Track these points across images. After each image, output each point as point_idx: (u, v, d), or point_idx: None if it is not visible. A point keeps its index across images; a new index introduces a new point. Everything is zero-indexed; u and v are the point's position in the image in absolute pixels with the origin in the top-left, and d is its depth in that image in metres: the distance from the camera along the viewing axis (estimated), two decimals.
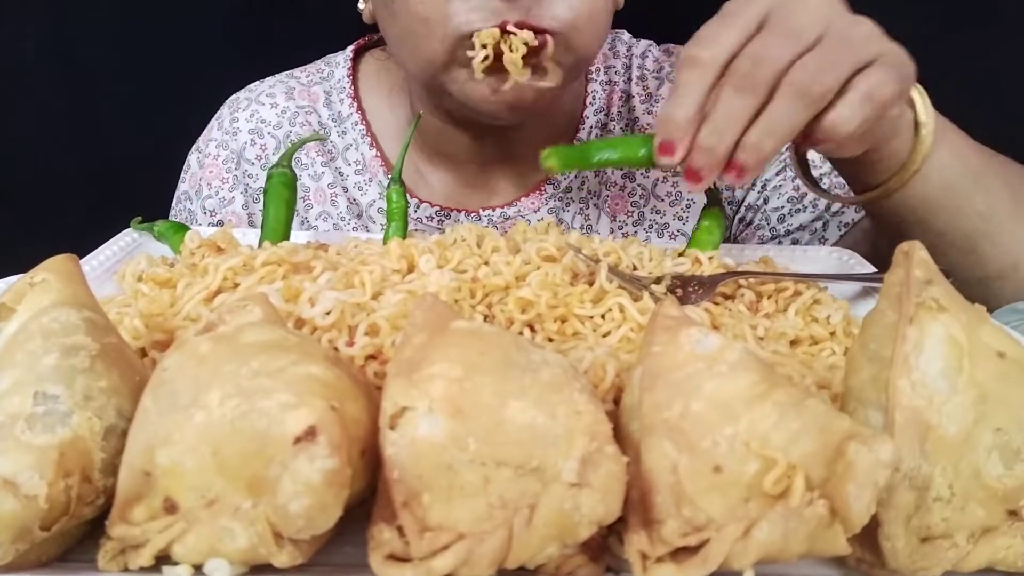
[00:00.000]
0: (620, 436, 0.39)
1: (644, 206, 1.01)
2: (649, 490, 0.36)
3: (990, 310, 0.44)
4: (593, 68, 1.01)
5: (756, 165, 0.57)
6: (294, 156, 0.77)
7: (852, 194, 0.76)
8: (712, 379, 0.37)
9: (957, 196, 0.71)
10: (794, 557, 0.36)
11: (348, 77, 1.01)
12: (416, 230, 0.94)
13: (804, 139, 0.59)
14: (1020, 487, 0.38)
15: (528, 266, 0.64)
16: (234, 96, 1.05)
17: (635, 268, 0.68)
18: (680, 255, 0.72)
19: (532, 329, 0.59)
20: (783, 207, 0.98)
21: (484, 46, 0.72)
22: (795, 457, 0.35)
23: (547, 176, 0.98)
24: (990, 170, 0.73)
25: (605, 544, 0.38)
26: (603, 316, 0.59)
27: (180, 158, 1.05)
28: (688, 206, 1.00)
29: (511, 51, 0.72)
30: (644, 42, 1.06)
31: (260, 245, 0.70)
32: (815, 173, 0.77)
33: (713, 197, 0.79)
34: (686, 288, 0.64)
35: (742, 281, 0.67)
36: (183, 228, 0.75)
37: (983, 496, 0.38)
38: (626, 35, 1.06)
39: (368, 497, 0.38)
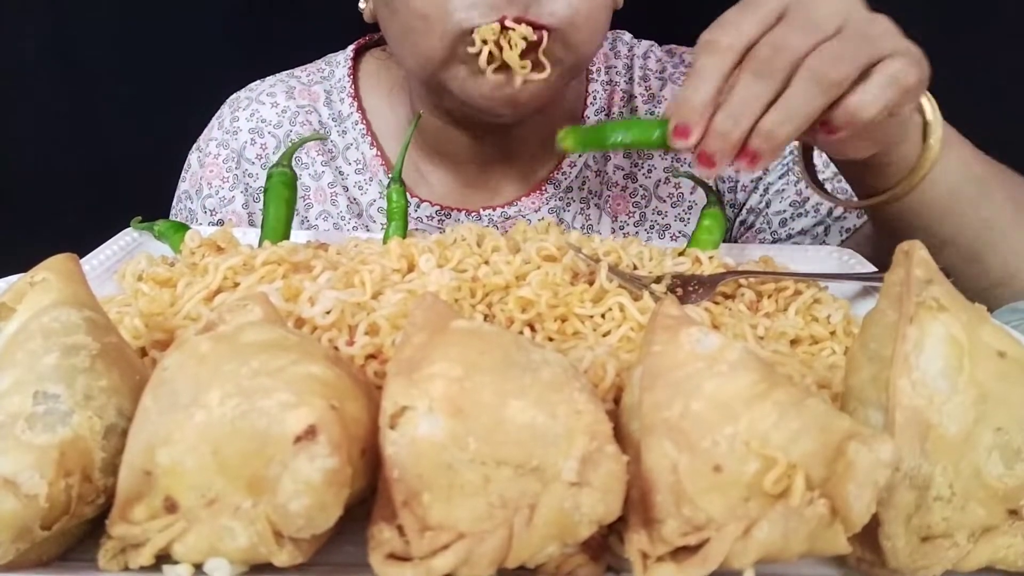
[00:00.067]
0: (620, 435, 0.39)
1: (646, 206, 1.01)
2: (649, 489, 0.36)
3: (989, 311, 0.45)
4: (594, 68, 1.01)
5: (770, 152, 0.57)
6: (294, 155, 0.77)
7: (856, 200, 0.76)
8: (712, 378, 0.37)
9: (962, 203, 0.72)
10: (794, 557, 0.36)
11: (348, 76, 1.01)
12: (416, 229, 0.94)
13: (822, 126, 0.59)
14: (1020, 486, 0.38)
15: (528, 265, 0.64)
16: (234, 95, 1.05)
17: (635, 267, 0.68)
18: (680, 255, 0.72)
19: (532, 328, 0.59)
20: (785, 211, 0.98)
21: (484, 42, 0.73)
22: (795, 456, 0.35)
23: (548, 176, 0.98)
24: (993, 179, 0.74)
25: (605, 543, 0.38)
26: (603, 315, 0.59)
27: (180, 158, 1.05)
28: (690, 207, 1.00)
29: (510, 47, 0.72)
30: (646, 43, 1.06)
31: (260, 244, 0.70)
32: (819, 178, 0.78)
33: (713, 196, 0.79)
34: (686, 287, 0.64)
35: (742, 280, 0.67)
36: (183, 228, 0.75)
37: (983, 495, 0.38)
38: (627, 35, 1.06)
39: (368, 496, 0.38)
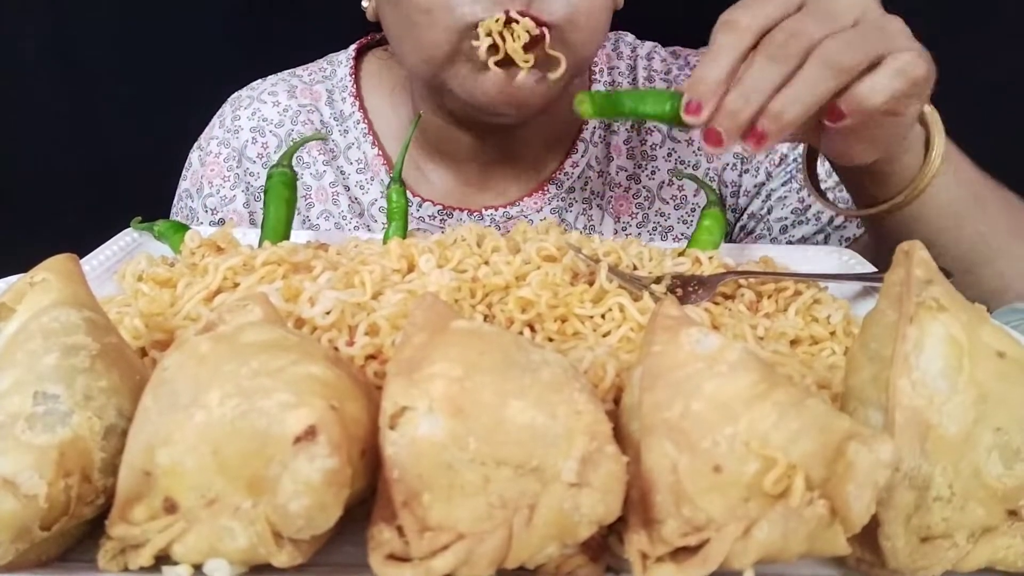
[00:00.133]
0: (620, 436, 0.39)
1: (649, 208, 1.01)
2: (649, 490, 0.36)
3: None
4: (596, 69, 1.01)
5: (777, 132, 0.58)
6: (295, 155, 0.77)
7: (856, 209, 0.77)
8: (712, 379, 0.37)
9: (959, 217, 0.73)
10: (794, 557, 0.36)
11: (350, 76, 1.01)
12: (418, 229, 0.94)
13: (828, 114, 0.60)
14: (1020, 487, 0.38)
15: (528, 266, 0.64)
16: (236, 94, 1.05)
17: (635, 268, 0.68)
18: (680, 255, 0.72)
19: (532, 329, 0.59)
20: (787, 218, 0.99)
21: (488, 34, 0.73)
22: (795, 457, 0.35)
23: (550, 176, 0.98)
24: (990, 196, 0.76)
25: (605, 544, 0.38)
26: (603, 316, 0.59)
27: (180, 158, 1.05)
28: (693, 210, 1.00)
29: (513, 40, 0.73)
30: (649, 44, 1.06)
31: (260, 245, 0.70)
32: (821, 186, 0.79)
33: (714, 196, 0.79)
34: (686, 288, 0.64)
35: (742, 281, 0.67)
36: (183, 228, 0.75)
37: (983, 496, 0.38)
38: (630, 37, 1.06)
39: (368, 497, 0.38)
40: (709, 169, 1.01)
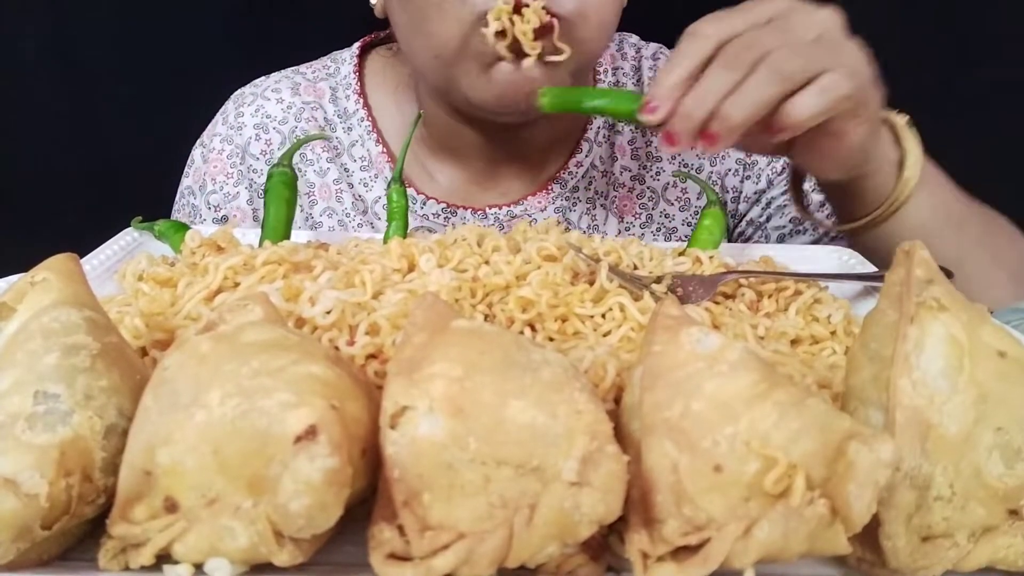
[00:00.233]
0: (621, 435, 0.39)
1: (653, 208, 1.01)
2: (650, 489, 0.36)
3: None
4: (601, 69, 1.01)
5: (727, 134, 0.61)
6: (299, 152, 0.77)
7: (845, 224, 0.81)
8: (712, 378, 0.37)
9: (934, 238, 0.75)
10: (794, 556, 0.36)
11: (354, 73, 1.01)
12: (422, 227, 0.94)
13: (765, 128, 0.63)
14: (1021, 486, 0.38)
15: (529, 265, 0.64)
16: (239, 91, 1.05)
17: (636, 267, 0.68)
18: (680, 254, 0.72)
19: (533, 328, 0.59)
20: (785, 226, 0.99)
21: (498, 18, 0.73)
22: (796, 456, 0.35)
23: (554, 175, 0.98)
24: (969, 219, 0.79)
25: (606, 543, 0.38)
26: (604, 315, 0.59)
27: (180, 158, 1.05)
28: (697, 211, 1.00)
29: (524, 22, 0.74)
30: (654, 45, 1.06)
31: (261, 244, 0.70)
32: (805, 200, 0.83)
33: (714, 196, 0.79)
34: (687, 287, 0.64)
35: (742, 280, 0.67)
36: (183, 227, 0.75)
37: (984, 495, 0.38)
38: (634, 38, 1.06)
39: (369, 496, 0.38)
40: (712, 172, 1.01)
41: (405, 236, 0.74)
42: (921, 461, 0.37)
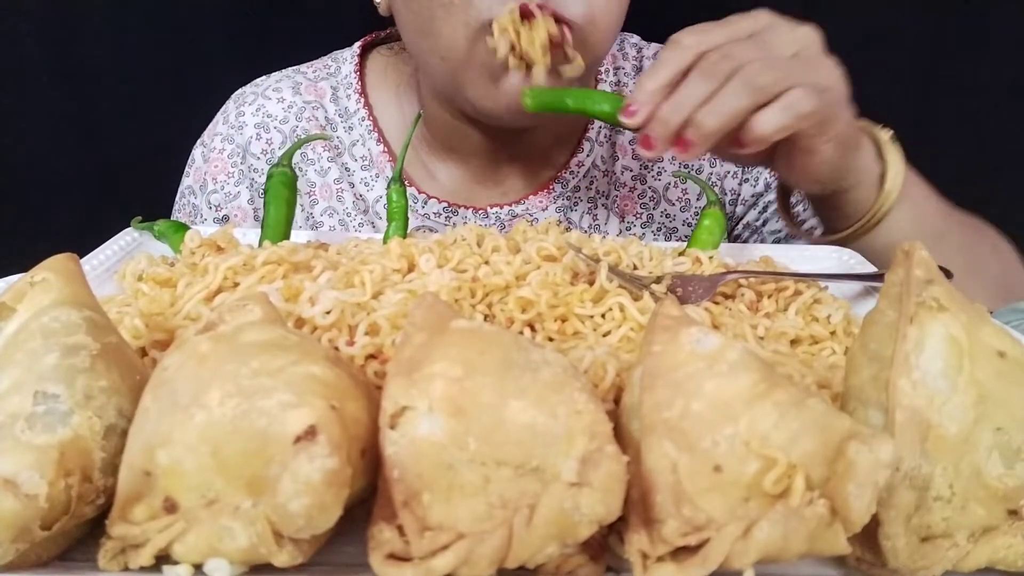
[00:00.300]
0: (620, 436, 0.39)
1: (654, 208, 1.01)
2: (649, 489, 0.36)
3: None
4: (603, 69, 1.01)
5: (700, 141, 0.63)
6: (300, 151, 0.77)
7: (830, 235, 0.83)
8: (712, 379, 0.37)
9: None
10: (794, 557, 0.36)
11: (355, 73, 1.01)
12: (424, 226, 0.94)
13: (732, 142, 0.65)
14: (1020, 486, 0.38)
15: (528, 265, 0.64)
16: (240, 91, 1.05)
17: (635, 267, 0.68)
18: (680, 255, 0.72)
19: (532, 328, 0.59)
20: (781, 231, 1.00)
21: (504, 31, 0.73)
22: (795, 457, 0.35)
23: (556, 175, 0.98)
24: (951, 232, 0.81)
25: (605, 543, 0.38)
26: (603, 316, 0.59)
27: (180, 158, 1.05)
28: (698, 212, 1.01)
29: (531, 32, 0.73)
30: (655, 45, 1.06)
31: (260, 244, 0.70)
32: (792, 211, 0.86)
33: (713, 196, 0.79)
34: (686, 287, 0.64)
35: (742, 280, 0.67)
36: (183, 227, 0.75)
37: (983, 495, 0.38)
38: (635, 38, 1.07)
39: (368, 497, 0.38)
40: (711, 174, 1.01)
41: (405, 236, 0.74)
42: (921, 461, 0.37)
